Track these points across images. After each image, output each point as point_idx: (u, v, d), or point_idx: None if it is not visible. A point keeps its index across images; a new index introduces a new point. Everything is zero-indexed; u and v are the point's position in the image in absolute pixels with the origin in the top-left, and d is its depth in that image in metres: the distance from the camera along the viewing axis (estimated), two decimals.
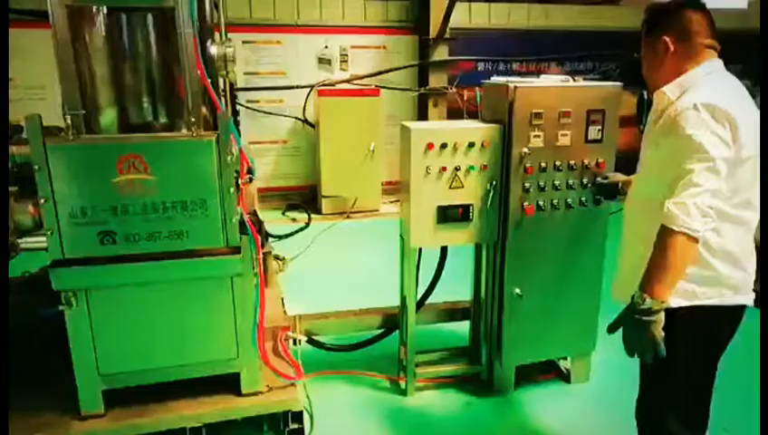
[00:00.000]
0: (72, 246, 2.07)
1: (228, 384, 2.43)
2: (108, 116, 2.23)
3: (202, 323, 2.29)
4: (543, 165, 2.57)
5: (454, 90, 6.37)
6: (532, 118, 2.53)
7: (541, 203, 2.61)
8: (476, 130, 2.60)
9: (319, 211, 6.26)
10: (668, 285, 1.63)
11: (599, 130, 2.61)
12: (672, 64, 1.80)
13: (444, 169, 2.56)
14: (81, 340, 2.19)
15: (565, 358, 3.00)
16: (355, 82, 6.17)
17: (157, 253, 2.12)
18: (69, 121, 2.01)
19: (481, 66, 6.81)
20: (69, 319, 2.16)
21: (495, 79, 2.80)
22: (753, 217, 1.79)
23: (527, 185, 2.58)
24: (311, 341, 3.04)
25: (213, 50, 2.26)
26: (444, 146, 2.54)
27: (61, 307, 2.12)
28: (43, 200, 1.94)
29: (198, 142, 2.08)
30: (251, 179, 2.27)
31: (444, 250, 2.91)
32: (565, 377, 3.00)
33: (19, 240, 3.31)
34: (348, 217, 6.18)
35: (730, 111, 1.63)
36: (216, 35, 2.42)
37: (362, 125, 6.01)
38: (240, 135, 2.47)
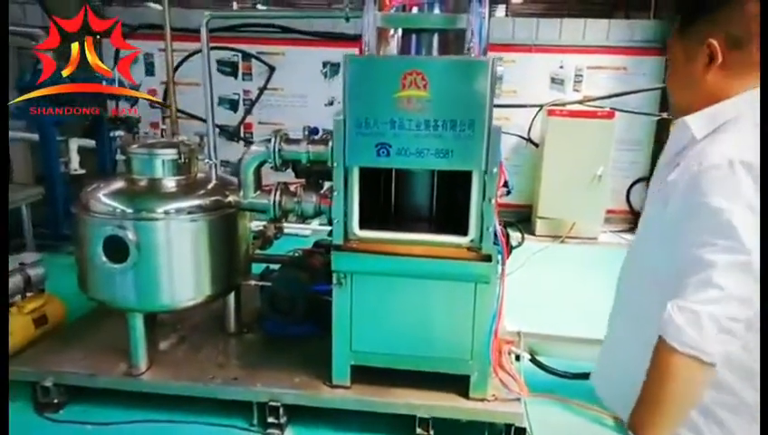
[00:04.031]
0: (353, 156, 2.26)
1: (455, 387, 2.54)
2: None
3: (445, 321, 2.44)
4: None
5: None
6: None
7: None
8: None
9: (532, 232, 6.16)
10: (666, 426, 1.16)
11: None
12: (714, 82, 1.19)
13: None
14: (342, 316, 2.49)
15: None
16: (588, 103, 5.95)
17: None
18: None
19: None
20: (336, 297, 2.47)
21: None
22: None
23: None
24: (533, 360, 3.01)
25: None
26: None
27: (331, 285, 2.44)
28: (335, 193, 2.27)
29: (477, 62, 2.15)
30: (508, 192, 2.35)
31: None
32: None
33: (286, 224, 3.90)
34: (563, 241, 5.98)
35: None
36: None
37: (591, 148, 5.76)
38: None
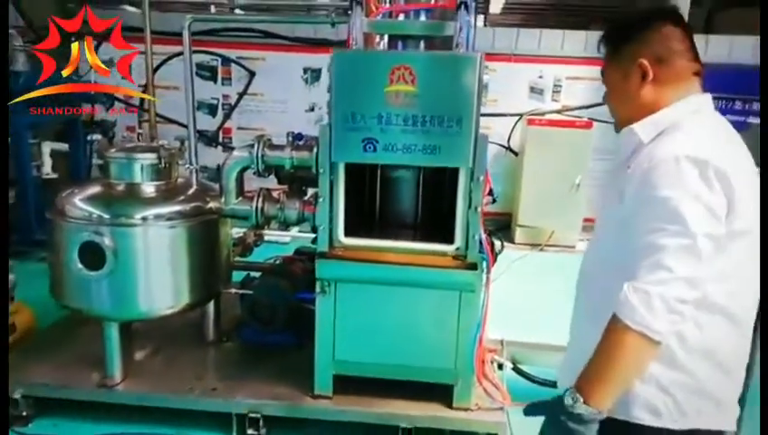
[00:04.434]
0: (340, 151, 2.22)
1: (438, 396, 2.52)
2: None
3: (429, 330, 2.42)
4: None
5: None
6: None
7: None
8: None
9: (512, 240, 6.19)
10: (610, 393, 1.26)
11: None
12: (649, 95, 1.38)
13: None
14: (325, 325, 2.45)
15: None
16: (566, 113, 6.03)
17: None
18: None
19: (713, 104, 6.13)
20: (319, 305, 2.43)
21: None
22: (748, 316, 1.34)
23: None
24: (516, 368, 3.01)
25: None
26: None
27: (316, 293, 2.41)
28: (321, 199, 2.24)
29: (465, 57, 2.14)
30: (493, 201, 2.35)
31: None
32: None
33: (267, 231, 3.83)
34: (542, 249, 6.02)
35: (725, 168, 1.21)
36: None
37: (570, 157, 5.83)
38: None
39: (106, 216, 2.44)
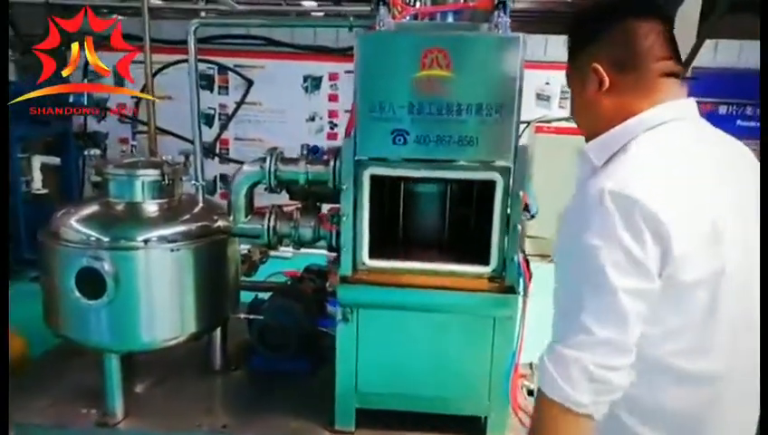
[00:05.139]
0: (366, 145, 2.02)
1: (469, 429, 2.33)
2: None
3: (461, 358, 2.22)
4: None
5: None
6: None
7: None
8: None
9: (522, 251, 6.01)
10: None
11: None
12: (609, 106, 1.17)
13: None
14: (346, 355, 2.25)
15: None
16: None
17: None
18: None
19: (723, 109, 6.05)
20: (340, 333, 2.23)
21: None
22: (719, 371, 1.10)
23: None
24: None
25: None
26: None
27: (338, 320, 2.20)
28: (344, 218, 2.04)
29: (507, 38, 1.95)
30: (532, 217, 2.16)
31: None
32: None
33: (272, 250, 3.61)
34: (551, 260, 5.85)
35: (660, 209, 1.00)
36: None
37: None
38: None
39: (105, 238, 2.22)
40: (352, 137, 2.02)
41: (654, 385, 1.11)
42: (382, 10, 1.89)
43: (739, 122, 6.10)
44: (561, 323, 1.10)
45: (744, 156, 1.21)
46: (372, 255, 2.13)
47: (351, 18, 2.22)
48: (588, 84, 1.19)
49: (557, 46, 6.24)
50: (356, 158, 2.02)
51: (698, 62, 5.64)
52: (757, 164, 1.21)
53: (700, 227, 1.04)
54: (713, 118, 5.71)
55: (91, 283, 2.16)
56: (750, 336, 1.13)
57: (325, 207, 2.59)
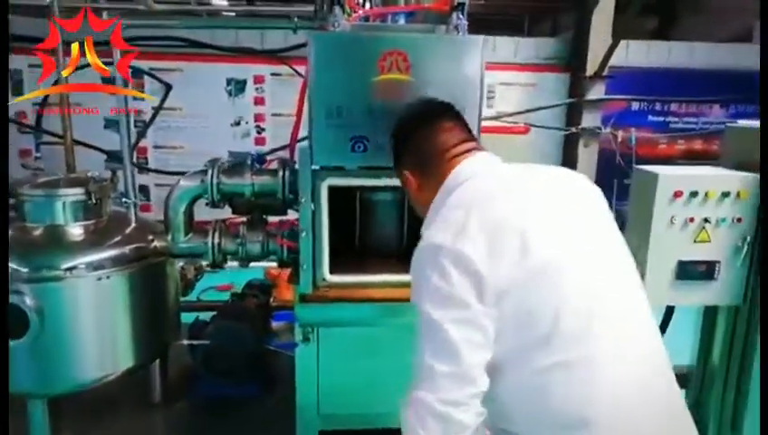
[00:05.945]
0: (322, 154, 1.91)
1: None
2: None
3: None
4: None
5: (608, 130, 6.05)
6: None
7: None
8: (732, 177, 2.32)
9: None
10: None
11: None
12: (429, 196, 1.41)
13: (691, 219, 2.30)
14: (307, 377, 2.11)
15: None
16: (503, 119, 6.03)
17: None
18: None
19: (635, 105, 6.44)
20: (300, 355, 2.09)
21: (745, 123, 2.51)
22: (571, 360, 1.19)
23: None
24: None
25: None
26: (694, 194, 2.28)
27: (297, 341, 2.06)
28: (303, 233, 1.90)
29: (467, 40, 1.93)
30: None
31: (670, 310, 2.61)
32: None
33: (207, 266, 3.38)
34: None
35: (461, 247, 1.17)
36: None
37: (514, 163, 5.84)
38: None
39: (24, 269, 1.94)
40: (308, 145, 1.88)
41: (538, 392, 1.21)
42: (337, 10, 1.77)
43: (650, 117, 6.54)
44: (414, 370, 1.22)
45: (565, 176, 1.46)
46: (333, 270, 2.01)
47: (296, 19, 2.08)
48: (408, 186, 1.49)
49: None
50: (313, 167, 1.89)
51: (613, 61, 5.96)
52: (579, 178, 1.44)
53: (507, 244, 1.18)
54: (627, 114, 6.09)
55: (12, 321, 1.88)
56: (604, 323, 1.21)
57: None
